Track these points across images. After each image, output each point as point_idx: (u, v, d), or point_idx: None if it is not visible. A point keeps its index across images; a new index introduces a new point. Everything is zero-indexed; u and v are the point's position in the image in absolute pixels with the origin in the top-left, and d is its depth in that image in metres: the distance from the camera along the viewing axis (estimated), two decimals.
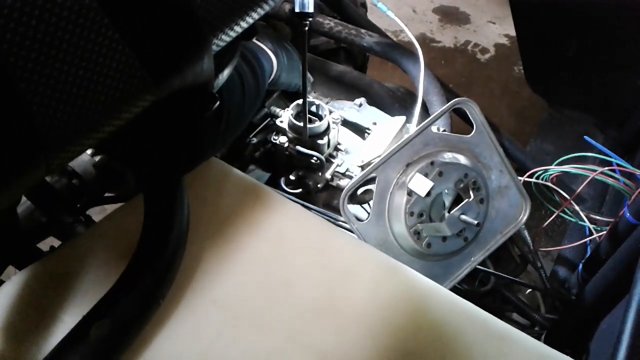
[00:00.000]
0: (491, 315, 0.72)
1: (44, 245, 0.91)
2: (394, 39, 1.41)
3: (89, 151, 0.95)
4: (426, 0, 3.17)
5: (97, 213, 0.94)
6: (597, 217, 1.15)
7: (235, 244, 0.75)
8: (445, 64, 2.77)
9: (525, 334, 0.71)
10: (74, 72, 0.39)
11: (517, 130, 2.21)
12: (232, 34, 0.56)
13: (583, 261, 1.14)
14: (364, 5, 1.73)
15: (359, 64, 1.72)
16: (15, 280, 0.68)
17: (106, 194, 1.03)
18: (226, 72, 0.73)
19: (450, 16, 3.09)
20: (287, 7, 1.29)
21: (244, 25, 0.57)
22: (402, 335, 0.67)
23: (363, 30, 1.30)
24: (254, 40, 1.05)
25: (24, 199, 0.88)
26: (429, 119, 0.92)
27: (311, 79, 1.28)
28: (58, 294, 0.67)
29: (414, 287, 0.74)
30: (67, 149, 0.42)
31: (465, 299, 0.73)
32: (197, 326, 0.66)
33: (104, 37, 0.40)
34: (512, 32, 1.69)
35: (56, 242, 0.88)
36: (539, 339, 1.04)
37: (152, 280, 0.61)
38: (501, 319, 0.72)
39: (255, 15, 0.58)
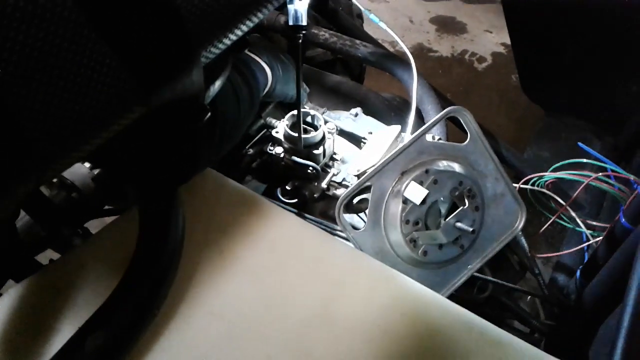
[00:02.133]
0: (489, 323, 0.72)
1: (44, 258, 0.91)
2: (391, 49, 1.42)
3: (87, 164, 0.95)
4: (423, 10, 3.20)
5: (96, 226, 0.95)
6: (594, 223, 1.16)
7: (231, 254, 0.75)
8: (442, 74, 2.78)
9: (523, 341, 0.71)
10: (63, 85, 0.40)
11: (516, 138, 2.22)
12: (222, 46, 0.57)
13: (581, 267, 1.14)
14: (359, 17, 1.75)
15: (355, 74, 1.73)
16: (13, 292, 0.68)
17: (105, 207, 1.04)
18: (218, 84, 0.74)
19: (447, 26, 3.11)
20: (282, 19, 1.30)
21: (233, 37, 0.58)
22: (399, 344, 0.68)
23: (358, 41, 1.31)
24: (248, 52, 1.06)
25: (22, 213, 0.89)
26: (422, 127, 0.93)
27: (307, 90, 1.29)
28: (55, 306, 0.67)
29: (410, 295, 0.74)
30: (57, 161, 0.43)
31: (463, 306, 0.74)
32: (193, 337, 0.66)
33: (92, 50, 0.41)
34: (509, 41, 1.70)
35: (55, 255, 0.88)
36: (538, 346, 1.03)
37: (147, 291, 0.62)
38: (501, 326, 0.72)
39: (245, 28, 0.59)
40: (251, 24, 0.60)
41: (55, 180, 0.94)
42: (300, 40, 0.85)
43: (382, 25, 1.18)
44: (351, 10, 1.71)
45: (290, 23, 0.82)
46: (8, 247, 0.78)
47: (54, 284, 0.70)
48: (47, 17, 0.38)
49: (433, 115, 1.14)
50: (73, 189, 0.94)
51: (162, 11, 0.47)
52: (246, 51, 1.06)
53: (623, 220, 0.94)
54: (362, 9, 1.28)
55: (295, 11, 0.81)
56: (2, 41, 0.35)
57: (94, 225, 0.98)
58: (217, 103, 0.83)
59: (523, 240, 1.12)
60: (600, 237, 1.08)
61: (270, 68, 1.08)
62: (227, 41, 0.57)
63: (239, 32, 0.59)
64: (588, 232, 1.15)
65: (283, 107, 1.24)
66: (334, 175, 1.08)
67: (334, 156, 1.11)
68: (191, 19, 0.50)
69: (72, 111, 0.41)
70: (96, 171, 0.96)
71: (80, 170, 0.95)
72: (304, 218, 0.99)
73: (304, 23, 0.82)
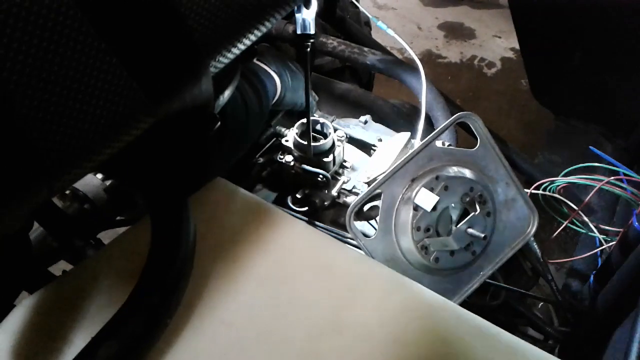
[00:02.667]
0: (502, 330, 0.71)
1: (57, 269, 0.92)
2: (400, 56, 1.43)
3: (99, 176, 0.96)
4: (431, 17, 3.20)
5: (109, 237, 0.95)
6: (607, 228, 1.15)
7: (242, 263, 0.75)
8: (452, 80, 2.78)
9: (537, 348, 0.70)
10: (73, 96, 0.40)
11: (526, 143, 2.21)
12: (230, 56, 0.58)
13: (594, 272, 1.13)
14: (367, 24, 1.76)
15: (364, 82, 1.74)
16: (26, 303, 0.69)
17: (117, 218, 1.05)
18: (227, 93, 0.74)
19: (456, 32, 3.11)
20: (290, 28, 1.31)
21: (242, 47, 0.59)
22: (411, 352, 0.67)
23: (366, 49, 1.32)
24: (257, 61, 1.06)
25: (36, 225, 0.90)
26: (432, 133, 0.93)
27: (316, 98, 1.30)
28: (68, 317, 0.67)
29: (422, 302, 0.74)
30: (69, 172, 0.44)
31: (476, 313, 0.73)
32: (205, 346, 0.66)
33: (101, 61, 0.42)
34: (518, 46, 1.70)
35: (67, 266, 0.89)
36: (552, 352, 1.02)
37: (159, 300, 0.62)
38: (514, 333, 0.71)
39: (253, 38, 0.59)
40: (259, 34, 0.60)
41: (67, 191, 0.95)
42: (309, 49, 0.86)
43: (390, 32, 1.19)
44: (359, 18, 1.71)
45: (299, 32, 0.83)
46: (21, 259, 0.79)
47: (67, 295, 0.70)
48: (52, 27, 0.38)
49: (442, 121, 1.14)
50: (85, 200, 0.95)
51: (167, 21, 0.47)
52: (255, 60, 1.07)
53: (636, 224, 0.94)
54: (369, 16, 1.28)
55: (303, 20, 0.81)
56: (14, 54, 0.36)
57: (106, 236, 0.99)
58: (227, 112, 0.84)
59: (535, 246, 1.11)
60: (614, 242, 1.07)
61: (279, 77, 1.09)
62: (235, 51, 0.58)
63: (248, 42, 0.59)
64: (601, 236, 1.14)
65: (292, 116, 1.25)
66: (344, 182, 1.08)
67: (344, 164, 1.12)
68: (199, 29, 0.50)
69: (84, 122, 0.41)
70: (108, 182, 0.96)
71: (92, 182, 0.96)
72: (315, 226, 0.99)
73: (312, 31, 0.83)
